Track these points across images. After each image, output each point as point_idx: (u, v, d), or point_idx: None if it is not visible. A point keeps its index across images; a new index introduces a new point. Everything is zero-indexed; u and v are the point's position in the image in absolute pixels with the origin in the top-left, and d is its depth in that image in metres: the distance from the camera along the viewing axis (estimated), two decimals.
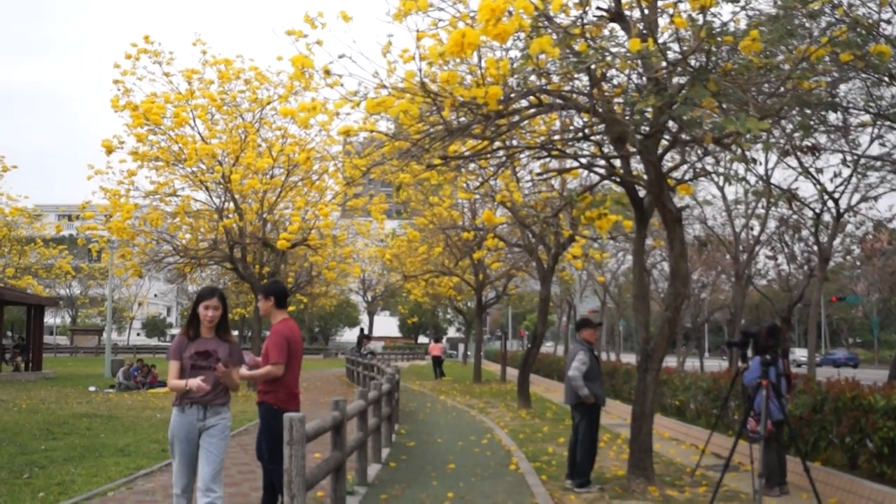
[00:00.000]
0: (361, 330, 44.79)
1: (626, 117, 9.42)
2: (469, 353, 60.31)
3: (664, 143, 10.56)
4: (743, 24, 8.81)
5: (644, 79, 9.28)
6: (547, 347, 62.92)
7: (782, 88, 8.96)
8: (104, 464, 11.96)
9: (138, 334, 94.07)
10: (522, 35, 9.14)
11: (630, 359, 30.14)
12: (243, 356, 7.03)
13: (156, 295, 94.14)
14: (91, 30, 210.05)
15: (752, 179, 21.27)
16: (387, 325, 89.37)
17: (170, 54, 26.00)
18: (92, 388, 27.44)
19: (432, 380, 37.32)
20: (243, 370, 7.49)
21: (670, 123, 9.79)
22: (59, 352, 66.00)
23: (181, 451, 6.76)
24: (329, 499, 8.71)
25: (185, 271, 32.91)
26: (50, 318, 66.62)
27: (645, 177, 10.75)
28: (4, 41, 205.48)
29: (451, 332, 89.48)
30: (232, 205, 27.29)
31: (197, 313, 6.76)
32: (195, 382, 6.55)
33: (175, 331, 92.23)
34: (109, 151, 25.38)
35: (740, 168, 11.66)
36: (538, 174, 15.23)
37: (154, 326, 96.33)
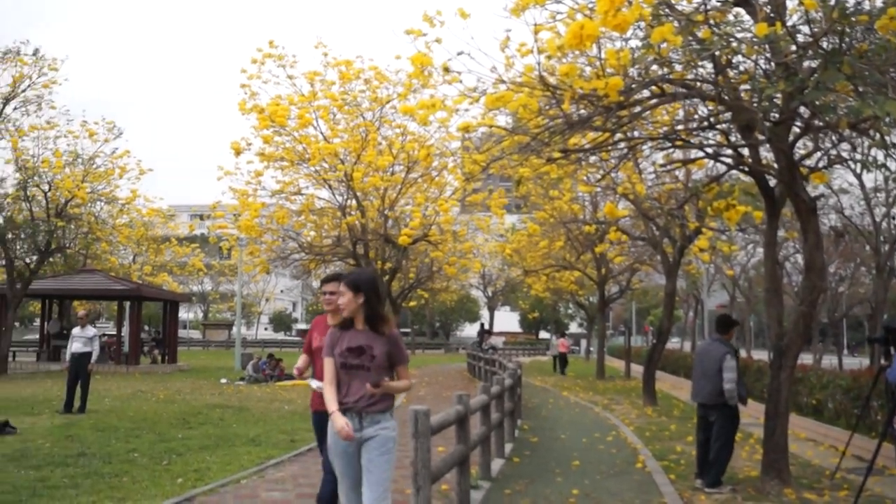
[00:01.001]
0: (482, 325, 44.77)
1: (754, 104, 9.06)
2: (591, 348, 59.73)
3: (795, 130, 10.12)
4: (879, 2, 8.36)
5: (772, 64, 8.91)
6: (673, 343, 61.74)
7: None
8: (237, 453, 12.30)
9: (266, 329, 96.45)
10: (643, 24, 8.89)
11: (761, 355, 29.30)
12: (405, 353, 5.85)
13: (282, 291, 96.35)
14: (220, 36, 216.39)
15: (893, 165, 20.27)
16: (507, 321, 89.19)
17: (293, 57, 26.55)
18: (223, 381, 28.20)
19: (554, 375, 37.03)
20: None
21: (802, 109, 9.37)
22: (191, 345, 68.26)
23: (341, 470, 5.79)
24: (454, 492, 8.68)
25: (310, 267, 33.52)
26: (183, 314, 68.81)
27: (775, 165, 10.33)
28: (142, 53, 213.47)
29: (573, 328, 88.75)
30: (354, 202, 27.64)
31: None
32: (317, 384, 6.20)
33: (301, 326, 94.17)
34: (238, 153, 26.10)
35: (879, 154, 11.09)
36: (662, 165, 14.87)
37: (280, 321, 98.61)
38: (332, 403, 5.62)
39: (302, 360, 7.18)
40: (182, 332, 65.96)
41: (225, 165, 36.81)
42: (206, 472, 10.65)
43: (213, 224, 34.13)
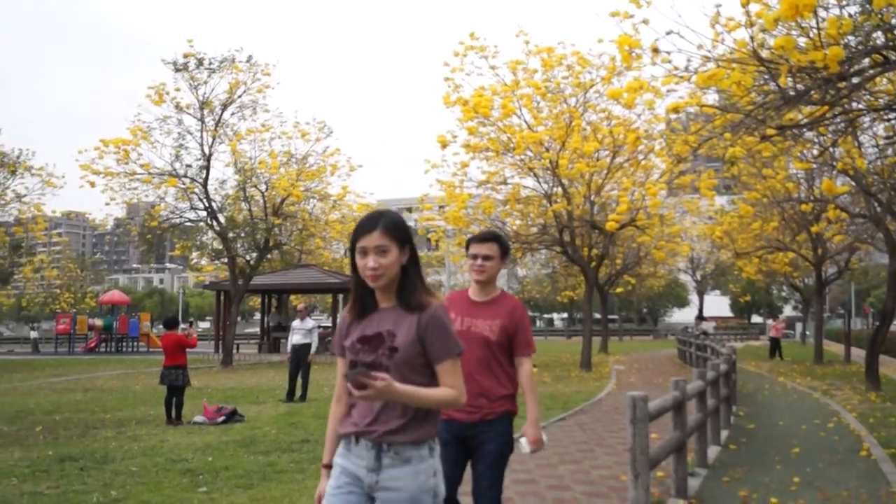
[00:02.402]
0: (700, 312, 43.79)
1: None
2: (807, 332, 57.30)
3: None
4: None
5: None
6: None
7: None
8: None
9: None
10: None
11: None
12: (453, 342, 3.48)
13: None
14: (422, 32, 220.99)
15: None
16: (717, 305, 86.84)
17: (495, 48, 26.90)
18: None
19: (769, 360, 35.83)
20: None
21: None
22: None
23: None
24: (670, 479, 8.62)
25: (517, 256, 33.84)
26: None
27: None
28: (349, 54, 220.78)
29: (787, 311, 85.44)
30: (560, 189, 27.71)
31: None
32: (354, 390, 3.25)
33: None
34: (444, 146, 26.72)
35: None
36: (885, 138, 14.15)
37: None
38: (327, 447, 3.85)
39: None
40: None
41: (432, 158, 37.73)
42: None
43: (422, 216, 35.01)
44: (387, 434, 3.46)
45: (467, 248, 5.26)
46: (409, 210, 62.63)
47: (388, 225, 3.49)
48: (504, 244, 5.27)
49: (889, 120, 11.39)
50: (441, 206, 29.65)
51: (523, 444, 5.02)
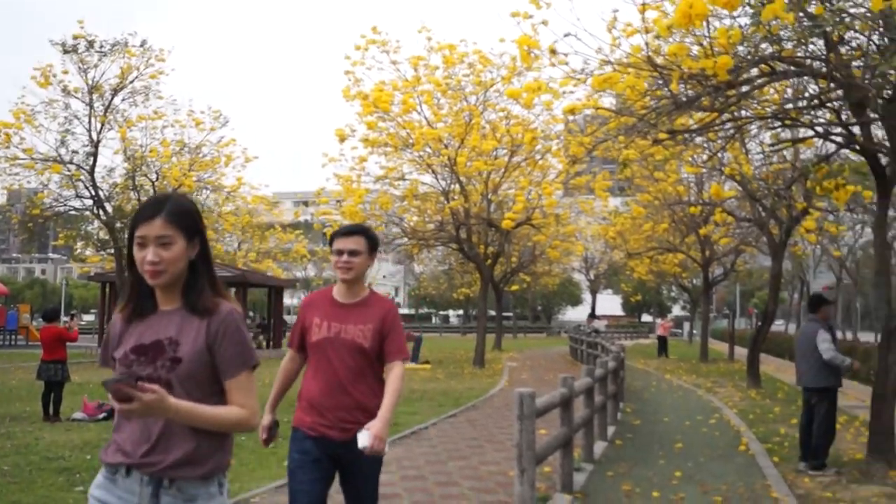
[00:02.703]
0: (592, 310, 44.50)
1: (867, 81, 8.91)
2: (694, 331, 58.92)
3: None
4: None
5: (886, 39, 8.75)
6: (777, 326, 60.58)
7: None
8: None
9: None
10: (752, 1, 8.83)
11: (868, 338, 28.60)
12: (249, 353, 2.97)
13: (384, 276, 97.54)
14: (324, 24, 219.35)
15: None
16: (610, 304, 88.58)
17: (396, 43, 26.87)
18: None
19: (657, 358, 36.74)
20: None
21: None
22: None
23: None
24: (556, 474, 8.77)
25: (413, 252, 33.92)
26: (288, 299, 70.12)
27: (887, 144, 10.13)
28: (247, 42, 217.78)
29: (676, 311, 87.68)
30: (457, 187, 27.85)
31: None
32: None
33: (404, 311, 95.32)
34: (342, 140, 26.58)
35: None
36: (769, 145, 14.67)
37: None
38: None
39: (287, 362, 5.10)
40: (287, 318, 67.40)
41: (329, 152, 37.69)
42: None
43: (318, 210, 34.72)
44: (169, 468, 2.80)
45: (331, 243, 4.75)
46: (306, 204, 62.13)
47: (174, 211, 2.88)
48: (372, 238, 4.77)
49: (774, 128, 11.82)
50: (338, 201, 29.47)
51: (361, 438, 4.30)
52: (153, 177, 31.43)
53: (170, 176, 31.12)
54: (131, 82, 29.93)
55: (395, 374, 4.65)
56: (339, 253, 4.63)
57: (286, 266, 62.46)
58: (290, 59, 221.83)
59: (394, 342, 4.66)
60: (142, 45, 29.61)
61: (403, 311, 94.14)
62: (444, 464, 10.28)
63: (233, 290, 36.69)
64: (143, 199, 31.50)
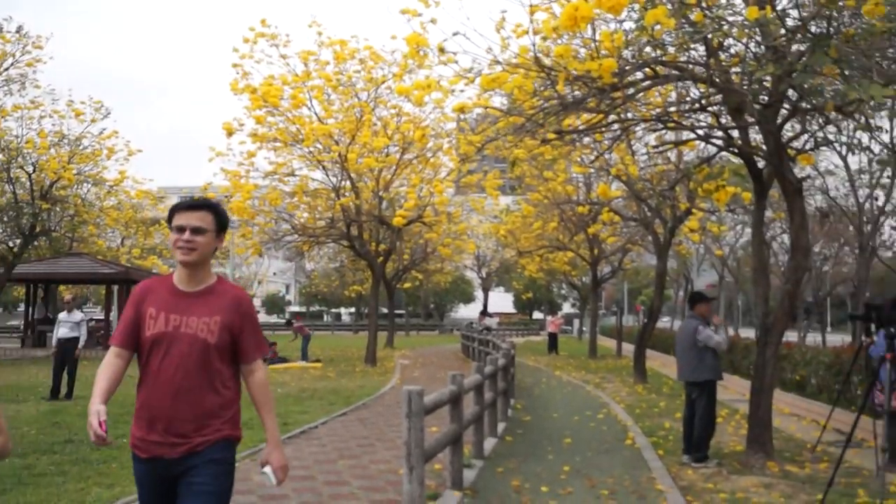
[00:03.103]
0: (485, 308, 44.78)
1: (745, 87, 9.24)
2: (584, 328, 59.93)
3: (784, 112, 10.30)
4: None
5: (762, 47, 9.08)
6: (663, 322, 62.12)
7: None
8: None
9: (258, 312, 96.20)
10: (637, 6, 9.04)
11: (749, 333, 29.54)
12: None
13: (275, 273, 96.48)
14: (212, 15, 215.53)
15: (877, 148, 20.51)
16: (501, 301, 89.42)
17: (286, 37, 26.50)
18: None
19: (547, 355, 37.27)
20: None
21: (790, 92, 9.55)
22: None
23: None
24: (446, 471, 8.83)
25: (304, 249, 33.62)
26: None
27: (764, 147, 10.52)
28: (135, 31, 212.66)
29: (566, 308, 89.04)
30: (348, 183, 27.73)
31: None
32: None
33: (295, 308, 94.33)
34: (230, 134, 26.12)
35: (864, 136, 11.28)
36: (654, 147, 15.05)
37: (273, 304, 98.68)
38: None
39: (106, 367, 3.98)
40: None
41: (217, 146, 36.80)
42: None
43: None
44: None
45: (170, 219, 4.05)
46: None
47: None
48: (221, 215, 4.10)
49: (658, 130, 12.13)
50: (226, 196, 28.94)
51: (269, 475, 4.05)
52: (30, 169, 30.12)
53: (48, 168, 29.91)
54: (6, 70, 28.70)
55: (260, 381, 4.13)
56: (180, 230, 3.94)
57: (172, 263, 61.11)
58: (177, 51, 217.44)
59: (250, 338, 4.05)
60: (18, 32, 28.41)
61: (294, 309, 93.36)
62: (334, 463, 10.25)
63: (115, 287, 35.77)
64: (19, 191, 30.36)
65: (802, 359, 15.99)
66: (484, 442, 11.01)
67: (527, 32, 9.99)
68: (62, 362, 17.06)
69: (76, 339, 17.17)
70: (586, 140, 15.69)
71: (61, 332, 17.26)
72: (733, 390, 18.96)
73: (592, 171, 23.36)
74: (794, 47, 8.66)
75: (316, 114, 27.05)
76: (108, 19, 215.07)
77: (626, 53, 9.42)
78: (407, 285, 51.45)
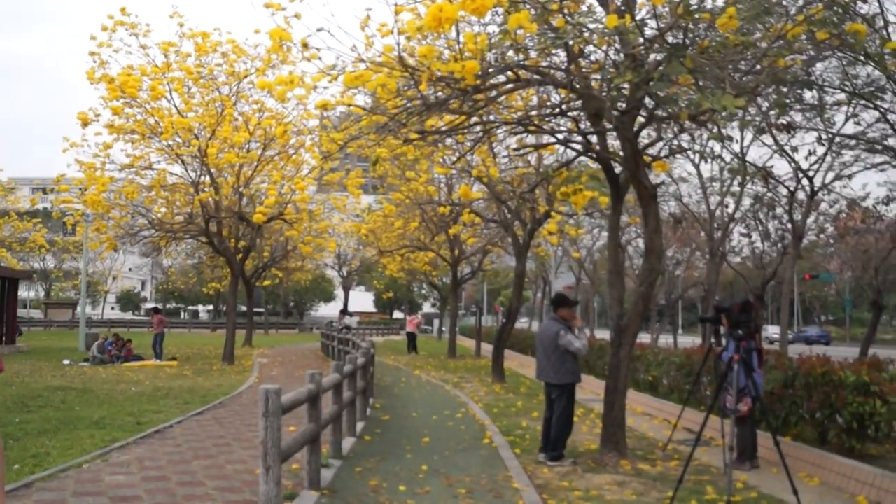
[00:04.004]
0: (344, 308, 44.50)
1: (603, 93, 9.44)
2: (444, 328, 60.40)
3: (640, 119, 10.59)
4: (720, 1, 8.83)
5: (621, 55, 9.30)
6: (521, 323, 63.37)
7: (758, 66, 8.99)
8: (79, 436, 11.95)
9: (112, 308, 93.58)
10: (500, 10, 9.13)
11: (604, 335, 30.27)
12: None
13: (130, 269, 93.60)
14: (68, 1, 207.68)
15: (728, 157, 21.40)
16: (362, 301, 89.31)
17: (146, 27, 25.89)
18: (66, 362, 27.29)
19: (406, 355, 37.37)
20: None
21: (647, 100, 9.83)
22: (33, 326, 65.53)
23: None
24: (304, 471, 8.73)
25: (161, 245, 32.79)
26: (24, 292, 66.05)
27: (621, 153, 10.79)
28: None
29: (427, 308, 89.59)
30: (208, 178, 27.22)
31: None
32: None
33: (150, 305, 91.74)
34: (85, 124, 25.27)
35: (716, 145, 11.73)
36: (515, 149, 15.26)
37: (128, 300, 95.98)
38: None
39: None
40: (22, 312, 63.33)
41: (71, 137, 35.37)
42: (46, 457, 10.29)
43: (58, 198, 32.87)
44: None
45: None
46: (45, 191, 58.70)
47: None
48: None
49: (519, 133, 12.29)
50: (80, 189, 27.96)
51: None
52: None
53: None
54: None
55: None
56: None
57: (22, 256, 58.82)
58: (33, 36, 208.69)
59: None
60: None
61: (150, 305, 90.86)
62: (189, 463, 10.04)
63: None
64: None
65: (655, 360, 16.49)
66: (342, 441, 10.94)
67: (391, 32, 9.98)
68: None
69: None
70: (448, 141, 15.80)
71: None
72: (588, 390, 19.37)
73: (454, 171, 23.54)
74: (652, 56, 8.91)
75: (176, 106, 26.45)
76: None
77: (490, 56, 9.50)
78: (266, 283, 50.76)
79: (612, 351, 11.08)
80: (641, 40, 8.59)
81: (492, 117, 11.61)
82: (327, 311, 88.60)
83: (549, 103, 11.76)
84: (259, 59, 25.93)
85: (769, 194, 25.89)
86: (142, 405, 15.74)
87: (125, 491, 8.50)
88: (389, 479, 9.23)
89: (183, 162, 27.59)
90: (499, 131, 13.57)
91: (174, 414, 14.50)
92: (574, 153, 12.38)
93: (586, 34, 8.74)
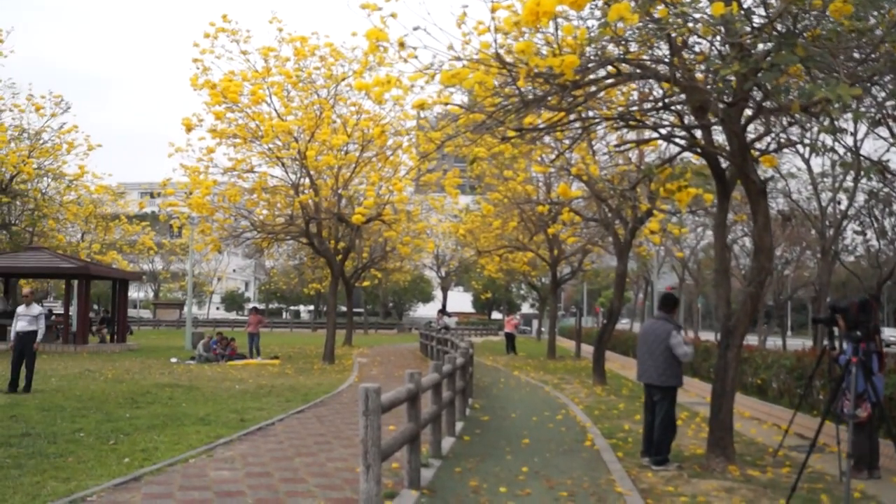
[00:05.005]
0: (442, 308, 44.47)
1: (709, 85, 9.13)
2: (543, 329, 59.95)
3: (747, 113, 10.20)
4: None
5: (727, 46, 8.97)
6: (622, 324, 62.53)
7: (874, 54, 8.55)
8: (185, 432, 12.17)
9: (217, 308, 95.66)
10: (599, 2, 8.90)
11: (707, 336, 29.67)
12: None
13: (234, 270, 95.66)
14: (173, 10, 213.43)
15: (841, 150, 20.55)
16: (460, 301, 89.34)
17: (247, 32, 26.40)
18: (173, 360, 27.93)
19: (505, 355, 37.17)
20: None
21: (754, 91, 9.45)
22: (142, 325, 67.48)
23: None
24: (404, 470, 8.67)
25: (263, 246, 33.32)
26: (133, 293, 68.00)
27: (727, 147, 10.42)
28: (95, 27, 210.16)
29: (525, 308, 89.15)
30: (307, 181, 27.54)
31: None
32: None
33: (253, 304, 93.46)
34: (189, 129, 25.88)
35: (828, 138, 11.22)
36: (615, 146, 14.95)
37: (232, 300, 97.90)
38: None
39: None
40: (132, 312, 65.19)
41: (176, 142, 36.41)
42: (154, 451, 10.51)
43: (164, 202, 33.75)
44: None
45: None
46: (152, 195, 60.32)
47: None
48: None
49: (620, 128, 12.01)
50: (185, 192, 28.62)
51: None
52: None
53: (7, 162, 29.67)
54: None
55: None
56: None
57: (132, 258, 60.58)
58: (137, 45, 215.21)
59: None
60: None
61: (252, 305, 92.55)
62: (291, 460, 10.10)
63: (75, 282, 35.33)
64: None
65: (763, 362, 15.96)
66: (442, 441, 10.86)
67: (488, 30, 9.80)
68: (21, 355, 17.04)
69: (34, 333, 17.22)
70: (546, 139, 15.59)
71: (20, 325, 17.28)
72: (693, 393, 18.96)
73: (553, 169, 23.26)
74: (760, 46, 8.56)
75: (276, 110, 26.84)
76: (68, 14, 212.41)
77: (589, 51, 9.27)
78: (366, 283, 51.16)
79: (719, 353, 10.69)
80: (749, 29, 8.26)
81: (591, 113, 11.36)
82: (425, 311, 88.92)
83: (651, 97, 11.41)
84: (356, 61, 26.13)
85: (885, 190, 24.85)
86: (245, 402, 15.96)
87: (229, 486, 8.58)
88: (489, 481, 9.10)
89: (283, 165, 28.01)
90: (598, 128, 13.30)
91: (276, 411, 14.65)
92: (677, 149, 12.01)
93: (690, 24, 8.45)
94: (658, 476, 9.66)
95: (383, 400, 6.93)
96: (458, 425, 13.14)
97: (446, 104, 11.59)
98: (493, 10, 9.43)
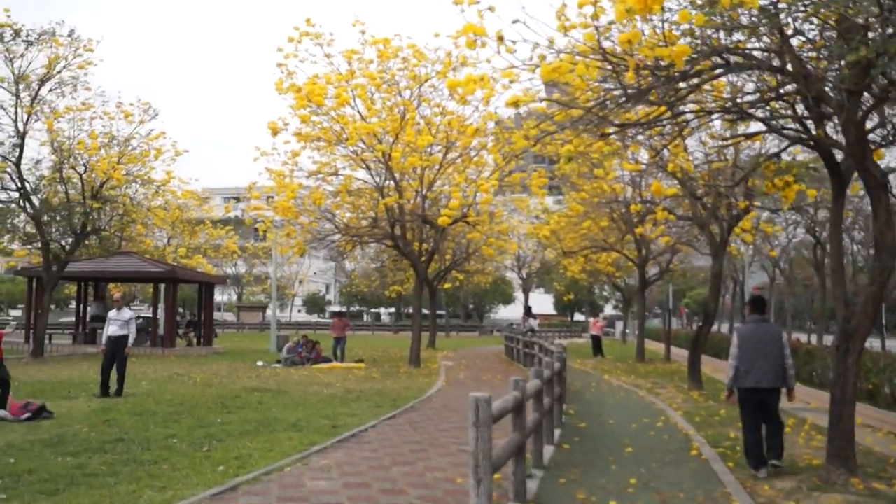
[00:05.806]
0: (528, 308, 43.90)
1: (827, 73, 8.57)
2: (627, 330, 59.04)
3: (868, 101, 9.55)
4: None
5: (847, 30, 8.38)
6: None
7: None
8: (278, 438, 12.01)
9: (299, 311, 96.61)
10: None
11: (800, 335, 28.65)
12: None
13: (315, 273, 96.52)
14: (257, 15, 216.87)
15: None
16: (541, 303, 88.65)
17: (330, 36, 26.46)
18: (259, 363, 28.01)
19: (592, 358, 36.50)
20: None
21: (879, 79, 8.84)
22: (226, 328, 68.39)
23: None
24: (509, 482, 8.30)
25: (347, 249, 33.31)
26: (218, 296, 68.92)
27: (843, 139, 9.77)
28: (177, 33, 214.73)
29: (608, 310, 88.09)
30: (392, 183, 27.39)
31: None
32: None
33: (334, 308, 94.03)
34: (275, 133, 26.02)
35: None
36: (724, 139, 14.36)
37: (314, 303, 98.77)
38: None
39: None
40: (216, 315, 66.20)
41: (261, 146, 36.59)
42: (248, 458, 10.35)
43: (249, 206, 33.99)
44: None
45: None
46: (237, 199, 61.10)
47: None
48: None
49: (728, 120, 11.47)
50: (270, 196, 28.77)
51: None
52: (81, 169, 30.31)
53: (98, 168, 30.15)
54: (59, 72, 28.81)
55: None
56: None
57: (216, 262, 61.50)
58: (221, 51, 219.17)
59: None
60: (70, 35, 28.54)
61: (333, 308, 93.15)
62: (388, 469, 9.83)
63: (162, 285, 35.87)
64: (70, 191, 30.50)
65: (875, 366, 15.11)
66: (543, 450, 10.45)
67: (589, 24, 9.37)
68: (111, 359, 17.29)
69: (125, 337, 17.48)
70: (639, 137, 15.05)
71: (111, 329, 17.54)
72: (796, 398, 18.19)
73: (644, 166, 22.64)
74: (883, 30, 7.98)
75: (359, 112, 26.75)
76: (155, 22, 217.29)
77: (692, 42, 8.78)
78: (447, 286, 51.01)
79: (837, 357, 10.01)
80: (876, 10, 7.69)
81: (691, 106, 10.80)
82: (507, 313, 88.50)
83: (762, 88, 10.76)
84: (439, 62, 25.92)
85: None
86: (335, 407, 15.77)
87: (328, 497, 8.31)
88: (597, 493, 8.69)
89: (367, 167, 27.91)
90: (694, 123, 12.72)
91: (367, 417, 14.42)
92: (785, 142, 11.37)
93: (811, 6, 7.91)
94: (776, 489, 9.10)
95: (493, 409, 6.56)
96: (556, 432, 12.75)
97: (541, 100, 11.15)
98: (594, 3, 9.03)
